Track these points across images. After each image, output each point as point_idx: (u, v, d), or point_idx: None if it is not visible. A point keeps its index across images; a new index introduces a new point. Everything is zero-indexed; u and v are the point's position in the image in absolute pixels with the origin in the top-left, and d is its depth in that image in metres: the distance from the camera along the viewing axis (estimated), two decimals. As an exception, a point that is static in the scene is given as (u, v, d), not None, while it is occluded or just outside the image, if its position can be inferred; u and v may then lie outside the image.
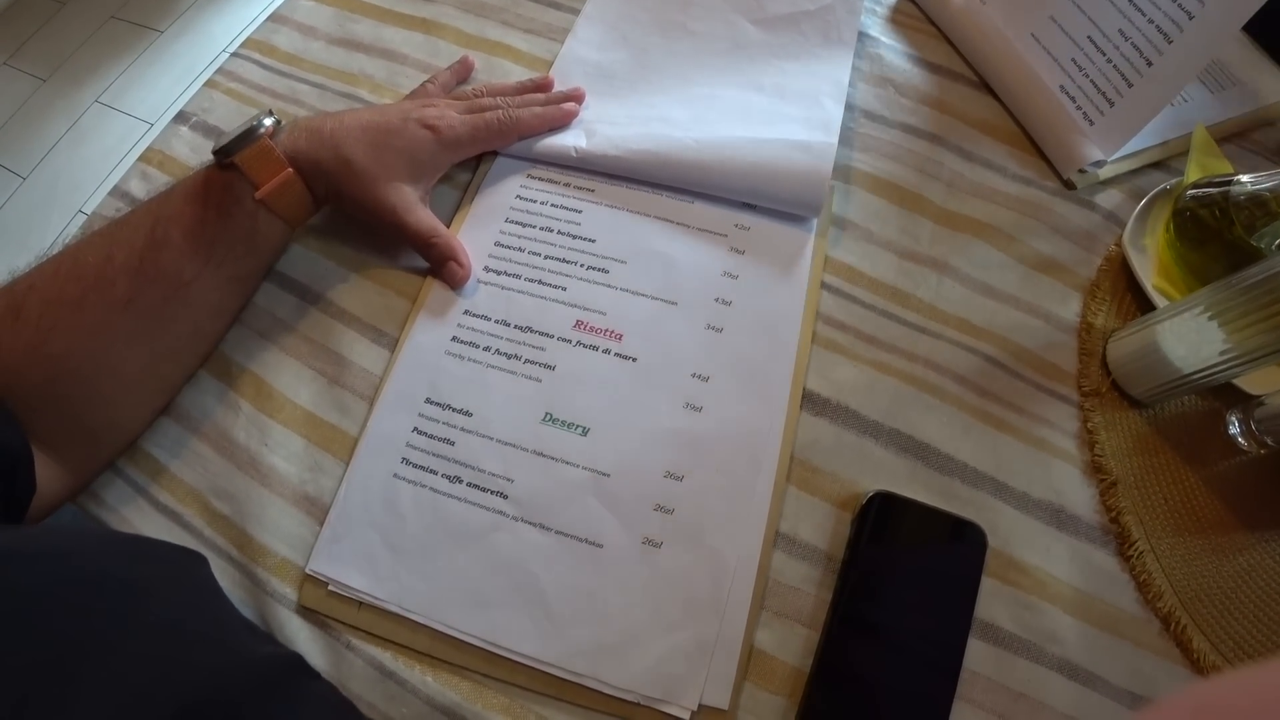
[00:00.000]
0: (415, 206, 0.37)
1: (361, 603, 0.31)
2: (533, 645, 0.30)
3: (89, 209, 1.26)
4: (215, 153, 0.33)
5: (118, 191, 0.43)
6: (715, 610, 0.30)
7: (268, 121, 0.34)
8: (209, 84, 0.48)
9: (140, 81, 1.40)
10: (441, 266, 0.37)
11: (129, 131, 1.34)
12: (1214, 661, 0.29)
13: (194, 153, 0.44)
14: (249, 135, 0.33)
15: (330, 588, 0.32)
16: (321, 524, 0.33)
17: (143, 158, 0.45)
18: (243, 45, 0.49)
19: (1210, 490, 0.33)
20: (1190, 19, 0.36)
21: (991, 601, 0.31)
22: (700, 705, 0.29)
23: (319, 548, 0.32)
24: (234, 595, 0.32)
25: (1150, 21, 0.38)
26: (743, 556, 0.31)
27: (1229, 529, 0.32)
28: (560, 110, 0.41)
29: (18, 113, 1.40)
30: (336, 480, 0.34)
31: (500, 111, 0.39)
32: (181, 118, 0.46)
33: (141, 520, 0.34)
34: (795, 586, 0.31)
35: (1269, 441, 0.33)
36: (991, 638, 0.30)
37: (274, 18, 0.50)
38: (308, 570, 0.32)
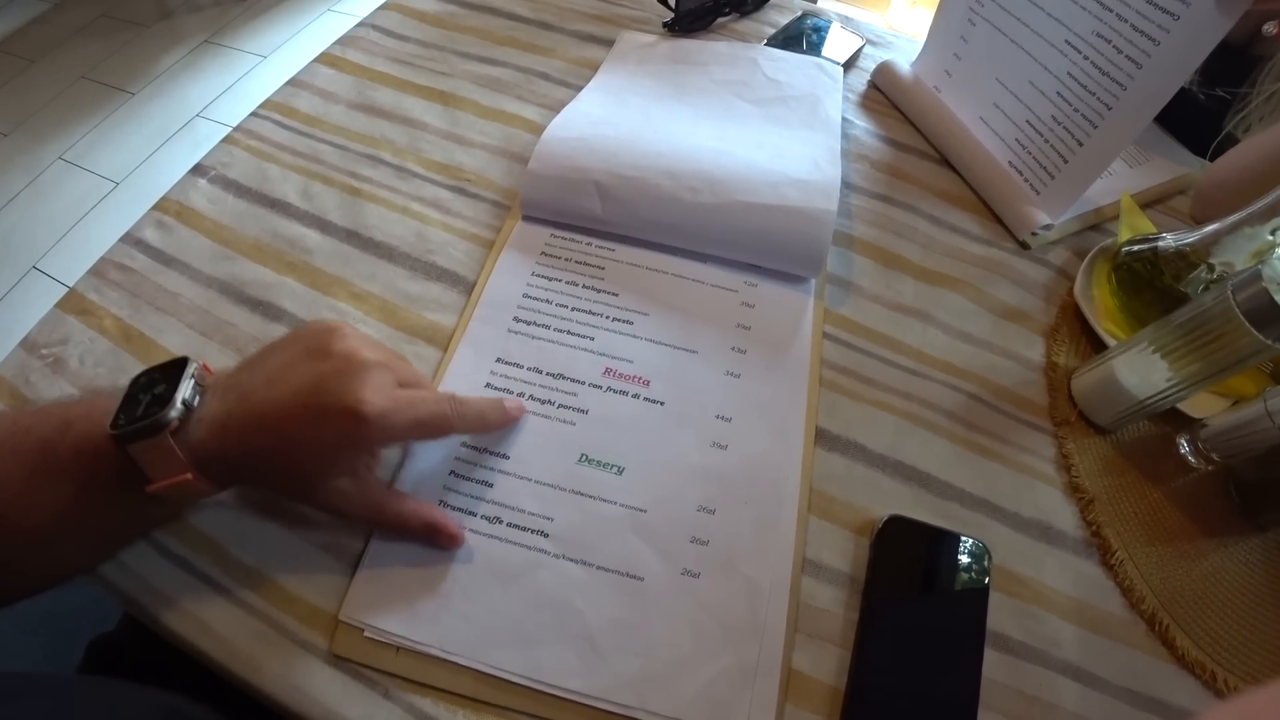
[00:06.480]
0: (365, 498, 0.32)
1: (400, 647, 0.31)
2: (580, 680, 0.31)
3: (43, 266, 1.21)
4: (112, 432, 0.28)
5: (130, 239, 0.44)
6: (754, 635, 0.32)
7: (173, 414, 0.28)
8: (228, 140, 0.49)
9: (107, 141, 1.38)
10: (430, 541, 0.33)
11: (92, 189, 1.31)
12: (1197, 657, 0.33)
13: (211, 204, 0.45)
14: (152, 428, 0.27)
15: (366, 633, 0.31)
16: (354, 568, 0.33)
17: (158, 206, 0.45)
18: (262, 106, 0.51)
19: (1171, 503, 0.37)
20: (1109, 109, 0.43)
21: (998, 613, 0.34)
22: (747, 727, 0.30)
23: (353, 592, 0.32)
24: (254, 649, 0.31)
25: (1076, 110, 0.45)
26: (775, 582, 0.33)
27: (1191, 537, 0.36)
28: (504, 411, 0.36)
29: (-26, 166, 1.35)
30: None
31: (446, 406, 0.32)
32: (200, 170, 0.47)
33: (146, 568, 0.33)
34: (824, 608, 0.34)
35: (1215, 457, 0.38)
36: (1002, 646, 0.33)
37: (293, 83, 0.52)
38: (341, 617, 0.31)
